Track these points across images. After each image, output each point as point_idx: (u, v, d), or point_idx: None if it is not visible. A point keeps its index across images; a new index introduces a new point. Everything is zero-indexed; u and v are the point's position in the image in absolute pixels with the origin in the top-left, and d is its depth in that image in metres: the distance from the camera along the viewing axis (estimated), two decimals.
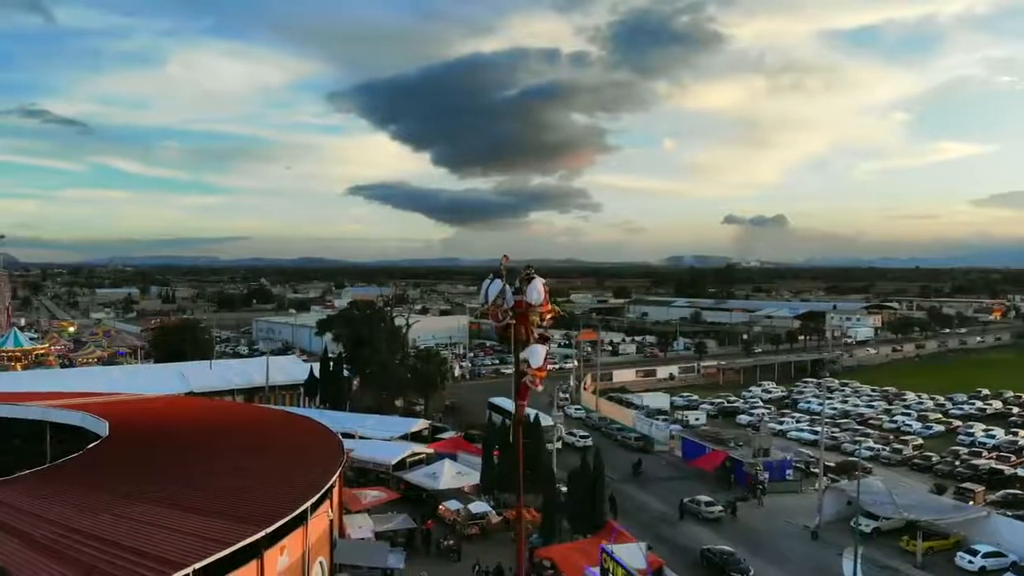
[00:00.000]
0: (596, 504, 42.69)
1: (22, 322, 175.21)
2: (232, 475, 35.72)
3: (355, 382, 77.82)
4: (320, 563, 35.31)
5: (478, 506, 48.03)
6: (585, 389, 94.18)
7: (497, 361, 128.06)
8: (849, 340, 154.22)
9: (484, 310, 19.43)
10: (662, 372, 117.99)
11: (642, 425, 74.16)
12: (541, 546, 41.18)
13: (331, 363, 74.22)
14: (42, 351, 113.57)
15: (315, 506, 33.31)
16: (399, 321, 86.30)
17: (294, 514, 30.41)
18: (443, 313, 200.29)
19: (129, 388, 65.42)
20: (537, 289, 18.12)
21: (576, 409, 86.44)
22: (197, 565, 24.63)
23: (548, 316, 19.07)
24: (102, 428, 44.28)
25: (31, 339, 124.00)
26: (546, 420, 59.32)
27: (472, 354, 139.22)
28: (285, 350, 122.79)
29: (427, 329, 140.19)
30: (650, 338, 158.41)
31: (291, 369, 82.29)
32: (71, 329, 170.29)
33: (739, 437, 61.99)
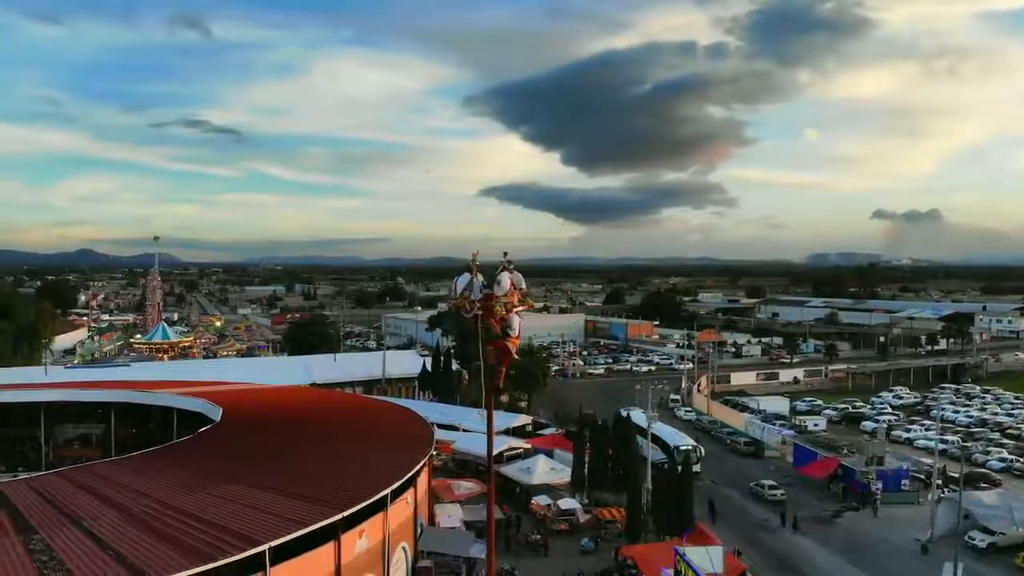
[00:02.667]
0: (683, 506, 41.83)
1: (175, 317, 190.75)
2: (322, 460, 37.56)
3: (464, 376, 79.58)
4: (403, 548, 36.65)
5: (567, 503, 48.19)
6: (699, 391, 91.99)
7: (610, 360, 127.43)
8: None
9: (454, 302, 19.68)
10: (786, 375, 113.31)
11: (754, 429, 71.70)
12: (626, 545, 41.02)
13: (441, 357, 76.41)
14: (187, 343, 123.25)
15: (396, 493, 34.55)
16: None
17: (372, 500, 31.67)
18: (562, 311, 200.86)
19: (258, 379, 69.82)
20: (502, 281, 18.27)
21: (686, 411, 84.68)
22: (274, 543, 26.25)
23: (520, 308, 19.11)
24: (216, 414, 47.71)
25: (180, 333, 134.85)
26: (642, 420, 58.46)
27: (586, 352, 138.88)
28: (409, 345, 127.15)
29: (542, 327, 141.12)
30: (777, 340, 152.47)
31: (407, 363, 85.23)
32: (218, 324, 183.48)
33: (853, 444, 58.87)
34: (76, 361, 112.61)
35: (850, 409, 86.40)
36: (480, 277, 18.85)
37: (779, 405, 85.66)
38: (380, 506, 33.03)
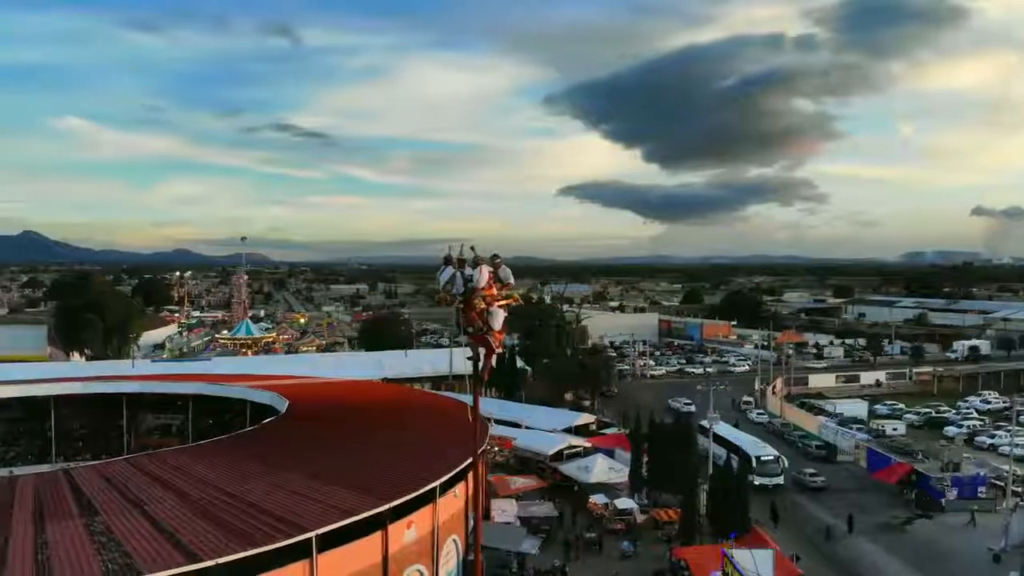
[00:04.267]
0: (739, 508, 41.05)
1: (261, 313, 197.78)
2: (375, 451, 38.51)
3: (529, 374, 79.97)
4: (454, 541, 37.17)
5: (624, 502, 47.92)
6: (773, 393, 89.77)
7: (683, 361, 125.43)
8: None
9: (439, 296, 19.83)
10: (867, 378, 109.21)
11: (827, 433, 69.57)
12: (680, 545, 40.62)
13: (506, 355, 76.86)
14: (270, 339, 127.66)
15: (446, 486, 35.08)
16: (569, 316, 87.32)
17: (420, 492, 32.27)
18: (638, 311, 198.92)
19: (331, 373, 71.97)
20: (481, 274, 18.32)
21: (759, 414, 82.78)
22: (320, 530, 27.15)
23: (502, 301, 19.13)
24: (283, 406, 49.44)
25: (264, 329, 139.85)
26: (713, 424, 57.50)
27: (658, 352, 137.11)
28: None
29: (614, 326, 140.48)
30: (862, 341, 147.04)
31: None
32: (302, 321, 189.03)
33: (928, 450, 56.46)
34: (164, 355, 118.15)
35: (933, 414, 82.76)
36: (485, 270, 18.89)
37: (857, 408, 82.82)
38: (429, 498, 33.63)
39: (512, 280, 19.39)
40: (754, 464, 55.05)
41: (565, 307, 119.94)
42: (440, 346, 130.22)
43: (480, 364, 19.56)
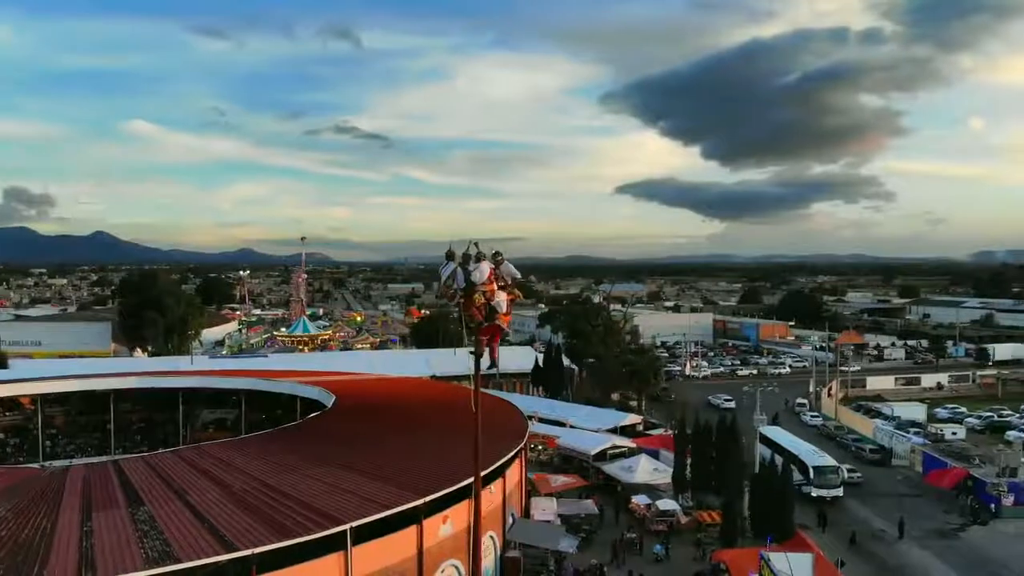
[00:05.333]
0: (783, 511, 40.30)
1: (320, 312, 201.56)
2: (414, 447, 39.04)
3: (577, 373, 79.83)
4: (491, 537, 37.43)
5: (667, 503, 47.46)
6: (828, 396, 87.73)
7: (738, 362, 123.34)
8: None
9: (440, 292, 19.98)
10: (928, 380, 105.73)
11: (882, 436, 67.68)
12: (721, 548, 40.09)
13: (553, 354, 76.96)
14: (326, 336, 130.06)
15: (483, 482, 35.26)
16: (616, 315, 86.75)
17: (454, 488, 32.57)
18: (694, 311, 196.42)
19: (381, 370, 73.08)
20: (481, 269, 18.37)
21: (812, 416, 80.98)
22: (355, 523, 27.72)
23: (508, 297, 19.17)
24: (330, 401, 50.46)
25: (320, 327, 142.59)
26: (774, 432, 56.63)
27: (712, 353, 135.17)
28: (531, 341, 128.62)
29: (667, 326, 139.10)
30: (925, 343, 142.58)
31: (521, 359, 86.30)
32: (358, 319, 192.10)
33: (987, 454, 54.51)
34: (224, 352, 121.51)
35: (995, 417, 79.72)
36: (486, 266, 19.05)
37: (915, 412, 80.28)
38: (465, 494, 33.92)
39: (517, 275, 19.58)
40: (811, 474, 52.58)
41: (617, 307, 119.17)
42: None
43: (489, 353, 19.79)
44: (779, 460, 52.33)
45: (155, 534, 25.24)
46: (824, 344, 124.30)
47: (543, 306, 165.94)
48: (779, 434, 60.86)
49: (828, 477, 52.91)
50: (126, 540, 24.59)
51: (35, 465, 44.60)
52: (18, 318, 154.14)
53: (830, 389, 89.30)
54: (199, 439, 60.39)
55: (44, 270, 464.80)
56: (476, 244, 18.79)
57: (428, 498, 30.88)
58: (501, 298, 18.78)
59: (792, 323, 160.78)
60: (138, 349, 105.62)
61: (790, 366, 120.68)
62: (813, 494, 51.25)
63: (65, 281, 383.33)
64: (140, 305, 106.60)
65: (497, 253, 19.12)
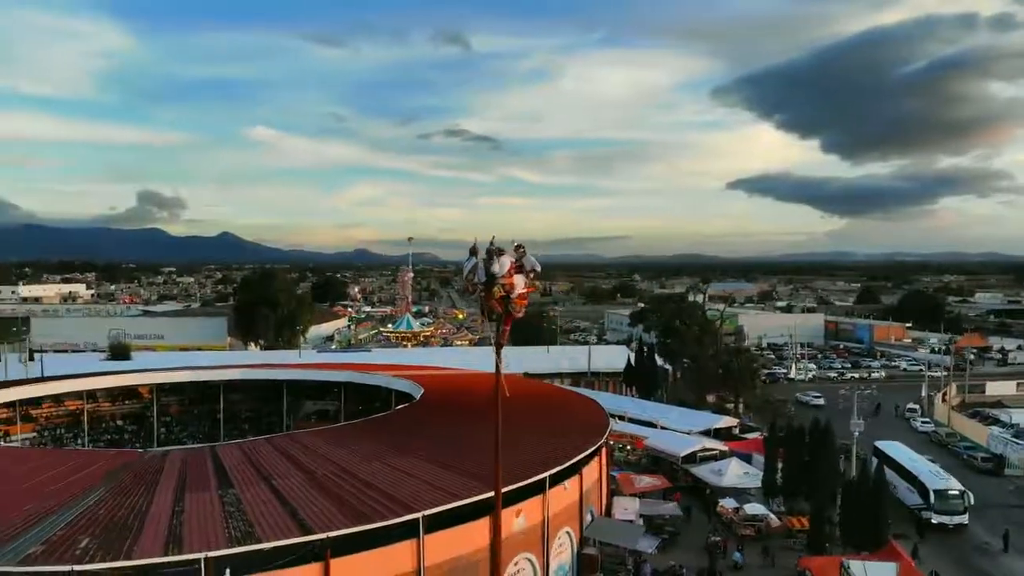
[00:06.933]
0: (875, 519, 38.61)
1: (425, 309, 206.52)
2: (493, 442, 39.44)
3: (671, 374, 78.65)
4: (568, 533, 37.61)
5: (755, 508, 46.33)
6: (943, 401, 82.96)
7: (848, 365, 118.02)
8: None
9: (464, 285, 20.17)
10: None
11: (996, 444, 63.51)
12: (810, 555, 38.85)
13: (644, 353, 76.06)
14: (428, 333, 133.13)
15: (556, 478, 35.59)
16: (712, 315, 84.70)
17: (526, 482, 33.01)
18: (807, 311, 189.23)
19: (474, 366, 74.30)
20: (501, 263, 18.47)
21: (923, 422, 76.76)
22: (427, 511, 28.57)
23: (522, 289, 19.18)
24: (418, 394, 51.92)
25: (424, 324, 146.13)
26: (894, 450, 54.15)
27: (821, 355, 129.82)
28: (629, 341, 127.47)
29: (775, 326, 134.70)
30: None
31: (614, 358, 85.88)
32: (460, 316, 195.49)
33: None
34: (333, 347, 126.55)
35: None
36: (507, 259, 19.31)
37: None
38: (538, 489, 34.28)
39: (538, 268, 19.83)
40: (932, 498, 47.16)
41: (720, 306, 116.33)
42: (580, 343, 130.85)
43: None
44: (895, 478, 49.67)
45: (239, 515, 26.79)
46: (943, 347, 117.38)
47: (641, 305, 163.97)
48: (897, 450, 55.83)
49: (951, 502, 47.16)
50: (213, 521, 26.21)
51: (137, 450, 47.99)
52: (145, 313, 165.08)
53: (944, 394, 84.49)
54: (302, 428, 63.40)
55: (173, 269, 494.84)
56: (492, 239, 19.25)
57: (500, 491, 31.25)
58: (520, 284, 19.09)
59: (909, 324, 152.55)
60: (251, 343, 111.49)
61: (904, 369, 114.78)
62: (933, 520, 46.52)
63: (192, 279, 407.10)
64: (254, 302, 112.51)
65: (519, 246, 19.51)
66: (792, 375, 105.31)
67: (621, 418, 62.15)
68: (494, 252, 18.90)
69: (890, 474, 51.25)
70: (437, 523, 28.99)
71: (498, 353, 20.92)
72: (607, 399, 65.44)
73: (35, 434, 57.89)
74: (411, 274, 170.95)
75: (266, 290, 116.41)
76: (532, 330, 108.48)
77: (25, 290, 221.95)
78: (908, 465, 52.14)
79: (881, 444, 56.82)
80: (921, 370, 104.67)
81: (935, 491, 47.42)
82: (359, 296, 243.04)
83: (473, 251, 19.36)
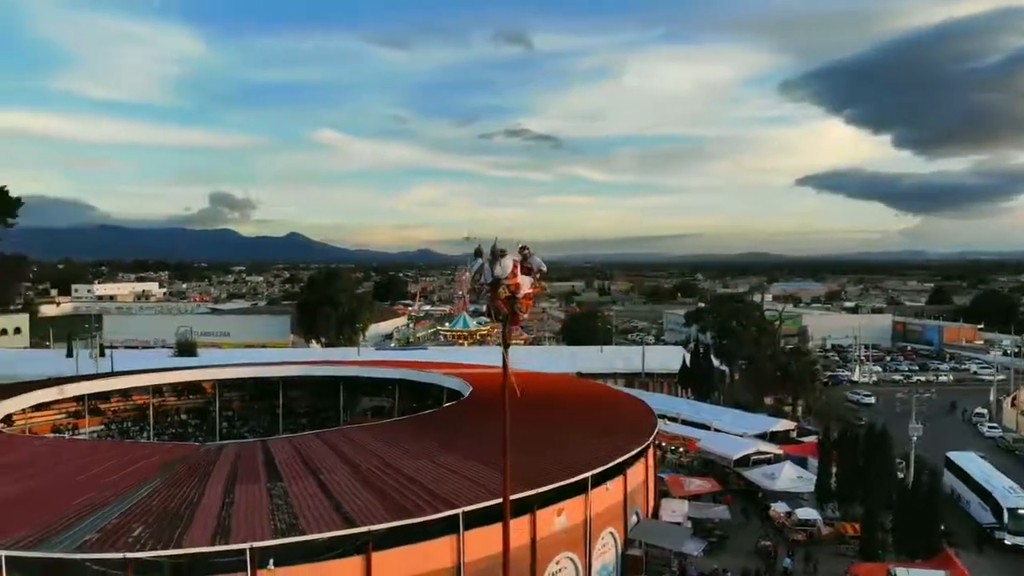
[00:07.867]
0: (930, 526, 37.55)
1: (483, 308, 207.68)
2: (538, 440, 39.75)
3: (729, 375, 77.49)
4: (611, 534, 37.62)
5: (807, 512, 45.46)
6: (1012, 406, 79.77)
7: (916, 368, 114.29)
8: None
9: (471, 287, 20.33)
10: None
11: None
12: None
13: (700, 354, 75.14)
14: (484, 332, 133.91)
15: (599, 479, 35.62)
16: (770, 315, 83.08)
17: (567, 481, 33.13)
18: (875, 311, 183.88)
19: (527, 365, 74.44)
20: (503, 264, 18.55)
21: (990, 428, 74.00)
22: (467, 508, 29.02)
23: (528, 289, 19.22)
24: (467, 391, 52.55)
25: (480, 323, 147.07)
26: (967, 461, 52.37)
27: (888, 357, 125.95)
28: (687, 342, 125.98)
29: (840, 327, 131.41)
30: None
31: (669, 359, 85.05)
32: None
33: None
34: (392, 344, 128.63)
35: None
36: (511, 260, 19.48)
37: None
38: (580, 489, 34.38)
39: (544, 268, 20.02)
40: (1005, 517, 43.88)
41: (780, 306, 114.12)
42: (636, 343, 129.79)
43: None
44: (968, 493, 48.13)
45: (286, 507, 27.72)
46: (1016, 349, 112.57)
47: (702, 305, 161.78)
48: (971, 462, 52.29)
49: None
50: (260, 513, 27.18)
51: (194, 443, 49.72)
52: (213, 311, 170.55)
53: (1015, 398, 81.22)
54: (356, 424, 64.73)
55: (243, 268, 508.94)
56: (495, 240, 19.57)
57: (539, 490, 31.58)
58: (526, 285, 19.30)
59: (981, 326, 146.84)
60: (313, 341, 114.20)
61: (975, 372, 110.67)
62: (1007, 541, 43.10)
63: (261, 278, 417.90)
64: (317, 301, 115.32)
65: (524, 247, 19.76)
66: (856, 377, 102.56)
67: (674, 420, 61.66)
68: (497, 253, 19.19)
69: (962, 488, 50.04)
70: (477, 520, 29.37)
71: (505, 352, 21.16)
72: (660, 400, 65.06)
73: (103, 427, 60.39)
74: (468, 274, 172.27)
75: (330, 289, 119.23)
76: (586, 330, 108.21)
77: (100, 288, 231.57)
78: (981, 480, 48.88)
79: (954, 455, 54.03)
80: (992, 374, 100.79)
81: (1009, 510, 44.29)
82: (419, 295, 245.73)
83: (478, 253, 19.72)
